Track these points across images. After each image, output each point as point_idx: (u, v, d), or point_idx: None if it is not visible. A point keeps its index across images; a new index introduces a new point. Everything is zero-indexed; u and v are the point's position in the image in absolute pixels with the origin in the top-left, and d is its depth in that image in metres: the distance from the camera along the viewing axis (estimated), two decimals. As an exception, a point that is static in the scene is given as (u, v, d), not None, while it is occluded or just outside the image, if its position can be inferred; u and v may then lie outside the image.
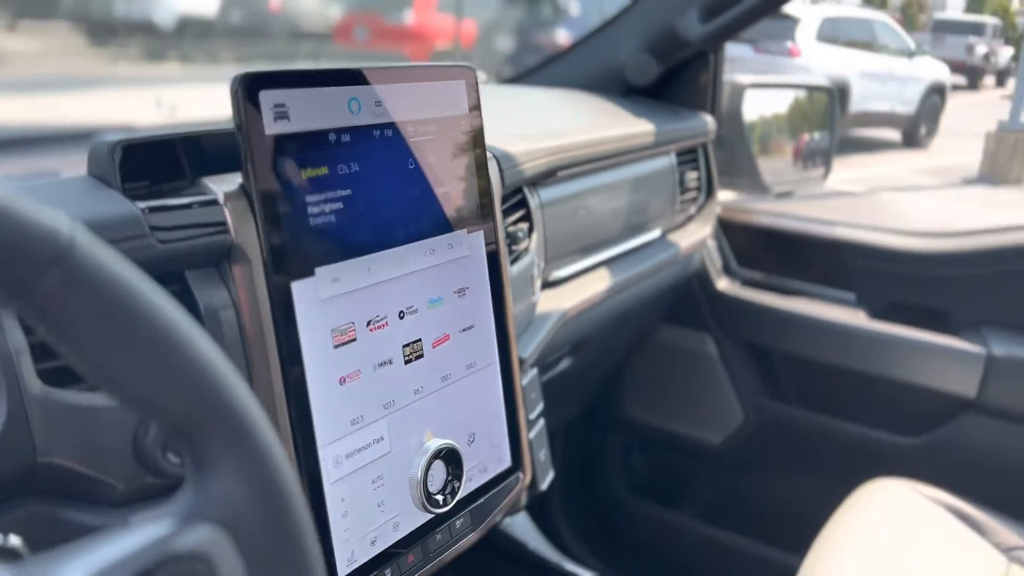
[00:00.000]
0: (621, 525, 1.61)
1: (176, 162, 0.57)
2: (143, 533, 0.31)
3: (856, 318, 1.36)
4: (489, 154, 0.73)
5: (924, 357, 1.30)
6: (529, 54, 10.12)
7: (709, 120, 1.28)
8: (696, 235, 1.26)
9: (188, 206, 0.53)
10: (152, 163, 0.56)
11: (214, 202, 0.55)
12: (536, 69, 1.38)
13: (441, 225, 0.67)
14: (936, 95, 10.24)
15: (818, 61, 8.61)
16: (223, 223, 0.54)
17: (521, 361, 0.79)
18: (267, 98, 0.54)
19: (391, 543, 0.64)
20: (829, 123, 1.66)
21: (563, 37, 9.39)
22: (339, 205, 0.59)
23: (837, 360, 1.37)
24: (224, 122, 0.59)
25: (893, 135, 10.05)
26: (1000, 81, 20.12)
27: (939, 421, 1.32)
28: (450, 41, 10.36)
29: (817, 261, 1.43)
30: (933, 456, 1.32)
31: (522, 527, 1.09)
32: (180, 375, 0.32)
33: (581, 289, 0.97)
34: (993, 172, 8.36)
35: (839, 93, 1.69)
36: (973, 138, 9.11)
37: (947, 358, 1.28)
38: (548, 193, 0.90)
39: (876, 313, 1.36)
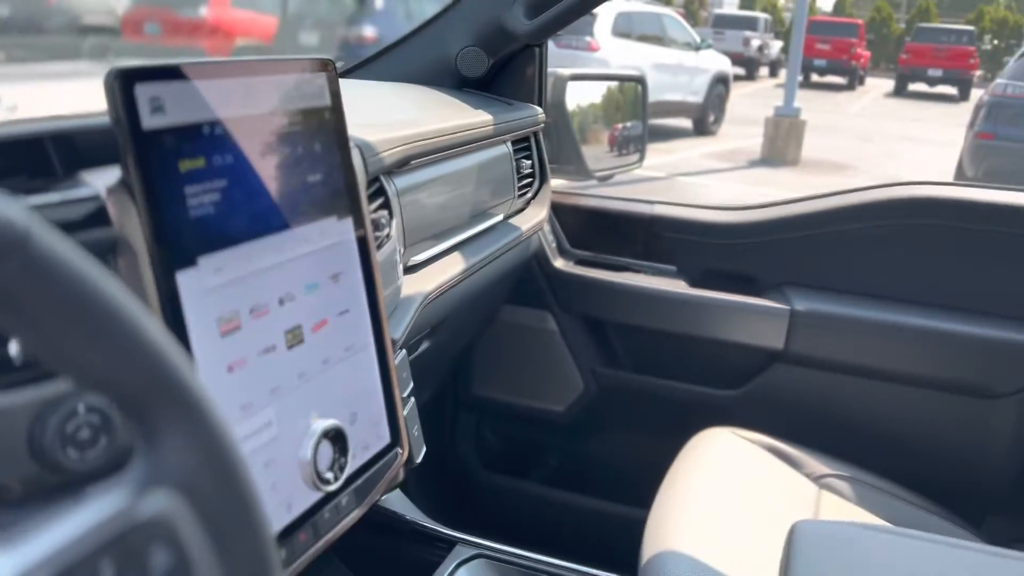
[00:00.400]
0: (476, 498, 1.67)
1: (45, 159, 0.56)
2: (103, 504, 0.33)
3: (677, 287, 1.49)
4: (352, 143, 0.76)
5: (738, 317, 1.45)
6: (333, 49, 9.95)
7: (539, 110, 1.36)
8: (533, 219, 1.33)
9: (68, 202, 0.53)
10: (17, 162, 0.55)
11: (94, 197, 0.54)
12: (366, 63, 1.40)
13: (313, 213, 0.69)
14: (721, 85, 11.10)
15: (615, 54, 9.09)
16: (105, 217, 0.54)
17: (393, 342, 0.82)
18: (143, 92, 0.54)
19: (285, 523, 0.66)
20: (640, 112, 1.80)
21: (369, 32, 9.31)
22: (217, 196, 0.60)
23: (663, 326, 1.50)
24: (91, 116, 0.58)
25: (685, 123, 10.79)
26: (773, 71, 22.08)
27: (754, 373, 1.48)
28: (249, 36, 9.99)
29: (640, 238, 1.55)
30: (751, 404, 1.48)
31: (396, 501, 1.12)
32: (133, 353, 0.33)
33: (437, 273, 1.01)
34: (773, 154, 9.20)
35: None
36: (755, 124, 9.97)
37: (757, 316, 1.44)
38: (402, 181, 0.94)
39: (694, 281, 1.51)
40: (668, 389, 1.54)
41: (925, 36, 19.36)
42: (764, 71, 21.47)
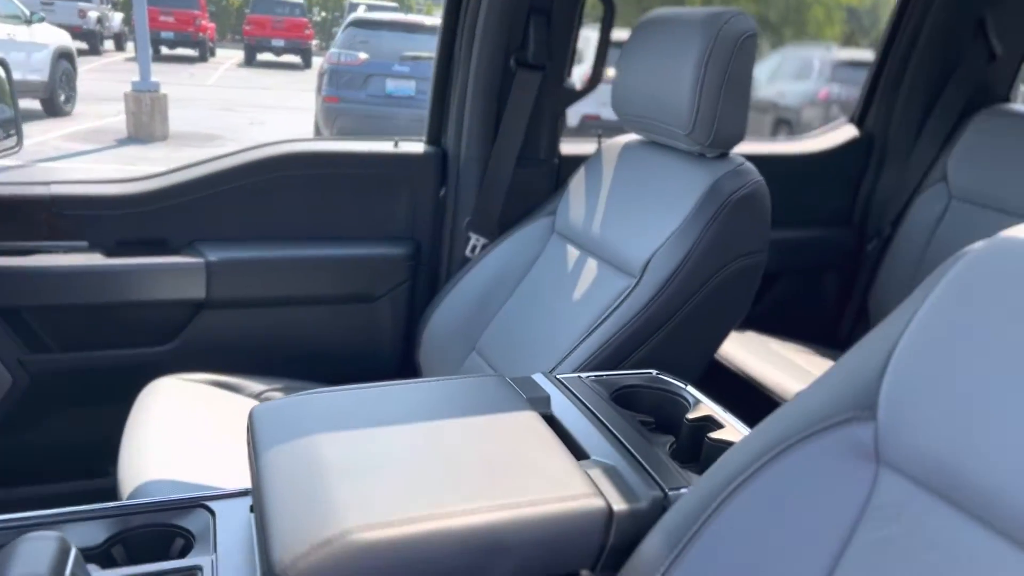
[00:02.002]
0: None
1: None
2: None
3: (93, 260, 1.55)
4: None
5: (157, 277, 1.59)
6: None
7: None
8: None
9: None
10: None
11: None
12: None
13: None
14: (66, 60, 10.29)
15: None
16: None
17: None
18: None
19: None
20: (9, 96, 1.75)
21: None
22: None
23: (85, 300, 1.55)
24: None
25: (32, 104, 9.79)
26: (120, 45, 21.03)
27: (185, 324, 1.64)
28: None
29: (44, 220, 1.56)
30: (188, 353, 1.64)
31: None
32: None
33: None
34: (140, 131, 8.99)
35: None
36: (113, 101, 9.56)
37: (176, 274, 1.59)
38: None
39: (109, 252, 1.59)
40: (105, 359, 1.61)
41: (262, 7, 20.50)
42: (110, 45, 20.36)
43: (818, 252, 2.16)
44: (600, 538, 0.77)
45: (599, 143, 1.67)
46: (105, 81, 12.28)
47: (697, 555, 0.68)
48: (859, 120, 2.15)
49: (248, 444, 0.91)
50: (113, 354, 1.61)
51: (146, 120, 9.04)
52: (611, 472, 0.84)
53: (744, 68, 1.30)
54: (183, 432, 1.32)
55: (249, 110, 11.81)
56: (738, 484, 0.68)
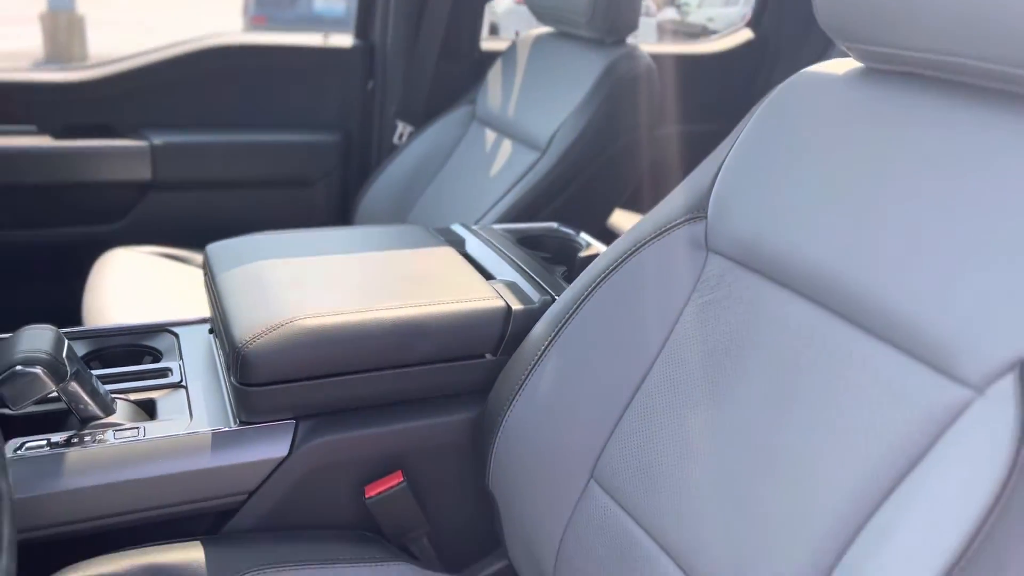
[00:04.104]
0: None
1: None
2: None
3: (43, 141, 1.67)
4: None
5: (108, 159, 1.71)
6: None
7: None
8: None
9: None
10: None
11: None
12: None
13: None
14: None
15: None
16: None
17: None
18: None
19: None
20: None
21: None
22: None
23: (33, 180, 1.66)
24: None
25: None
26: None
27: (133, 204, 1.78)
28: None
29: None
30: (137, 230, 1.78)
31: None
32: None
33: None
34: (59, 53, 8.70)
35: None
36: (28, 22, 9.18)
37: (124, 155, 1.72)
38: None
39: (58, 135, 1.70)
40: (59, 236, 1.73)
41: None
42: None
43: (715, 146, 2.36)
44: (500, 329, 0.97)
45: (516, 37, 1.84)
46: (16, 5, 11.71)
47: (570, 333, 0.88)
48: (755, 24, 2.34)
49: (205, 274, 1.07)
50: (67, 231, 1.74)
51: (64, 40, 8.74)
52: (512, 285, 1.04)
53: (636, -39, 1.47)
54: (139, 291, 1.47)
55: (170, 31, 11.43)
56: (602, 278, 0.87)
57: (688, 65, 2.25)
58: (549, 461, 0.85)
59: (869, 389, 0.62)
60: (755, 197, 0.77)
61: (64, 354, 0.83)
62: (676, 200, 0.87)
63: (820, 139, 0.74)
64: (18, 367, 0.78)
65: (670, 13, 9.67)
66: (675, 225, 0.84)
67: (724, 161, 0.83)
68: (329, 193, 1.95)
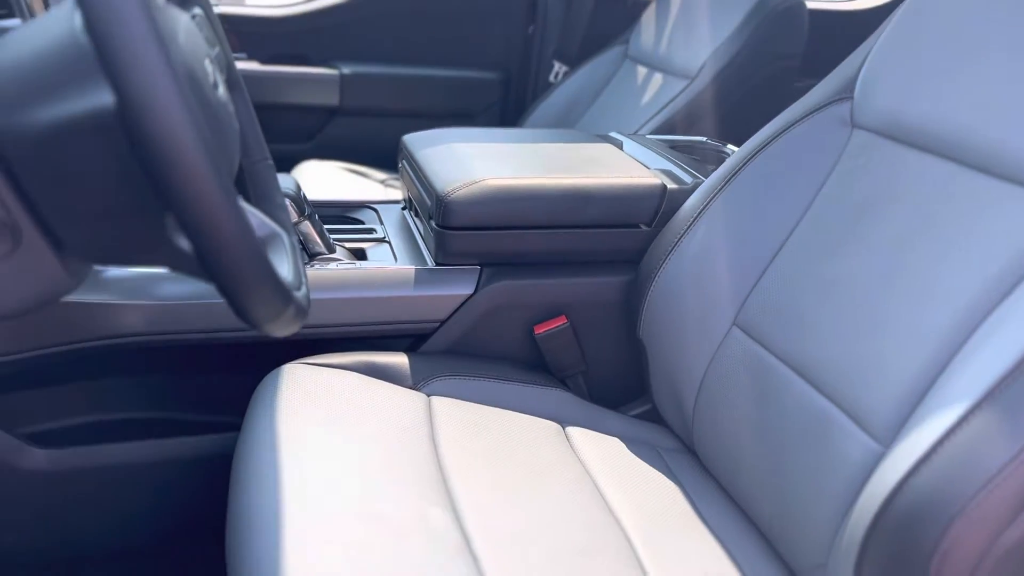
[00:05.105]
0: None
1: None
2: None
3: (251, 66, 1.93)
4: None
5: (304, 84, 1.96)
6: None
7: None
8: None
9: None
10: None
11: None
12: None
13: None
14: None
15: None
16: None
17: None
18: None
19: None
20: None
21: None
22: None
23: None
24: None
25: None
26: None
27: (321, 127, 2.02)
28: None
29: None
30: (325, 148, 2.02)
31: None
32: None
33: None
34: None
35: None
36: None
37: (317, 82, 1.96)
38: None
39: (264, 61, 1.96)
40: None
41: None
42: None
43: None
44: (656, 203, 1.11)
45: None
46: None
47: (719, 204, 1.01)
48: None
49: (400, 160, 1.26)
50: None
51: None
52: (668, 172, 1.18)
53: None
54: (331, 193, 1.70)
55: None
56: (751, 157, 1.00)
57: (839, 21, 2.30)
58: (695, 312, 0.98)
59: (998, 221, 0.72)
60: (900, 73, 0.88)
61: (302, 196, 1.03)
62: (824, 86, 0.98)
63: (963, 12, 0.84)
64: (273, 195, 0.98)
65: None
66: (823, 106, 0.95)
67: (874, 46, 0.93)
68: (489, 126, 2.13)
